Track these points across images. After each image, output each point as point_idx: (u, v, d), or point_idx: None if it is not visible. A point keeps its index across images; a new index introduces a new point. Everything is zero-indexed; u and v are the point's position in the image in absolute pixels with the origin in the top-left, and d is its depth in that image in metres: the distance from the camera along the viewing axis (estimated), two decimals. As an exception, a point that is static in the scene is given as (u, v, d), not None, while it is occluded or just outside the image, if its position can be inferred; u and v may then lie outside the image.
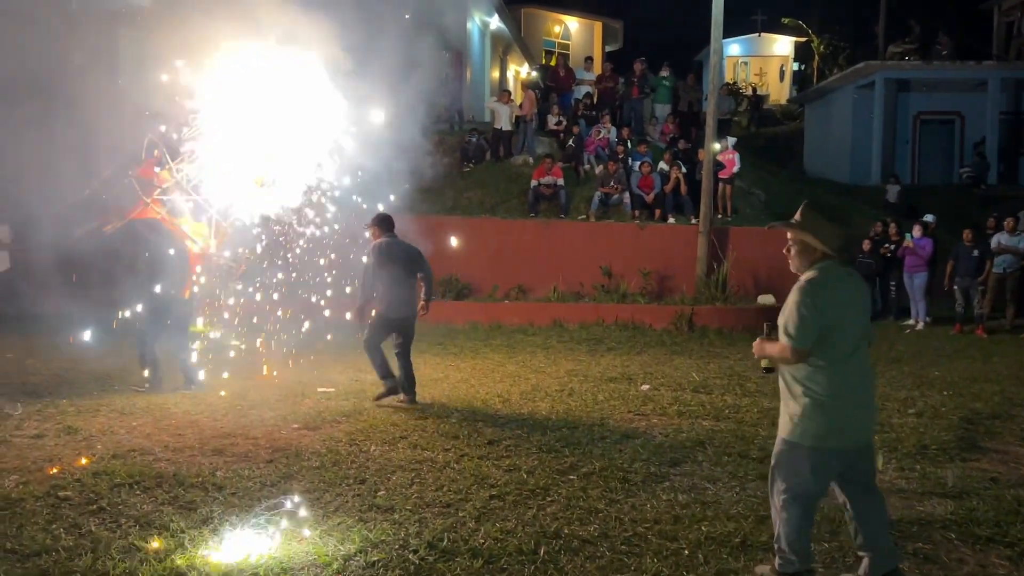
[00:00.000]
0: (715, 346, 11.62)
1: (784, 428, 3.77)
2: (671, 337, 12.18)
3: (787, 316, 3.68)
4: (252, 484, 5.10)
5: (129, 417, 6.76)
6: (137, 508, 4.65)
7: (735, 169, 15.40)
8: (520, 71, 30.62)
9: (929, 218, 14.52)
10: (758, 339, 3.85)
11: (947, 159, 23.25)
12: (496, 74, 29.11)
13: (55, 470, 5.28)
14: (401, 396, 7.54)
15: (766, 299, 13.78)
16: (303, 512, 4.61)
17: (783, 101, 35.68)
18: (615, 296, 13.64)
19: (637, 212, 14.97)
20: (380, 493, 5.02)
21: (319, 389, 8.12)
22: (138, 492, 4.90)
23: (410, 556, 4.09)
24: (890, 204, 19.16)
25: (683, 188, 15.13)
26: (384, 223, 7.71)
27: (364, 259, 7.71)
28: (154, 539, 4.21)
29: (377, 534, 4.35)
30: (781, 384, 3.82)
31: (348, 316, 8.08)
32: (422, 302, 7.67)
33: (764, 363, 3.85)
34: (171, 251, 7.74)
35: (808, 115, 28.03)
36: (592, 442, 6.29)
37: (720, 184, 15.07)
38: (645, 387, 8.49)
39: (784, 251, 3.87)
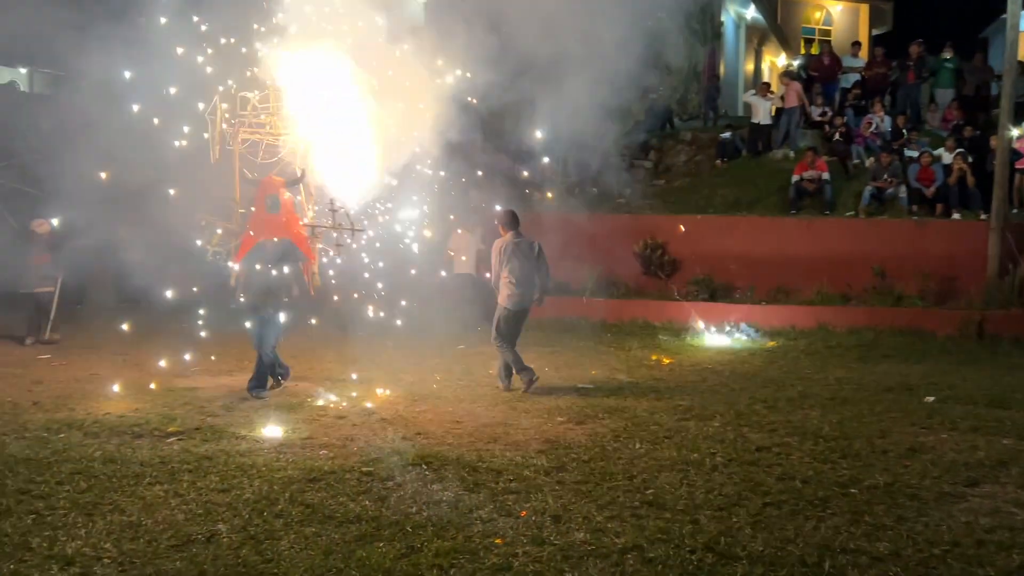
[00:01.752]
0: (1012, 356, 10.35)
1: None
2: (957, 345, 11.02)
3: None
4: (528, 472, 5.37)
5: (414, 404, 7.40)
6: (428, 487, 5.08)
7: (1036, 157, 13.58)
8: (776, 62, 29.25)
9: None
10: None
11: None
12: (750, 67, 28.07)
13: (356, 448, 5.92)
14: (500, 384, 8.09)
15: (1075, 304, 12.01)
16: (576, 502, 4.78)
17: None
18: (889, 299, 12.57)
19: (915, 207, 13.71)
20: (650, 491, 5.06)
21: (578, 385, 8.34)
22: (427, 472, 5.35)
23: (688, 556, 4.09)
24: None
25: (970, 180, 13.60)
26: (512, 220, 8.08)
27: (496, 252, 8.00)
28: (446, 517, 4.58)
29: (651, 531, 4.39)
30: None
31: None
32: (538, 295, 8.08)
33: None
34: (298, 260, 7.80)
35: None
36: (872, 455, 5.88)
37: (1016, 175, 13.37)
38: (930, 399, 7.76)
39: None
